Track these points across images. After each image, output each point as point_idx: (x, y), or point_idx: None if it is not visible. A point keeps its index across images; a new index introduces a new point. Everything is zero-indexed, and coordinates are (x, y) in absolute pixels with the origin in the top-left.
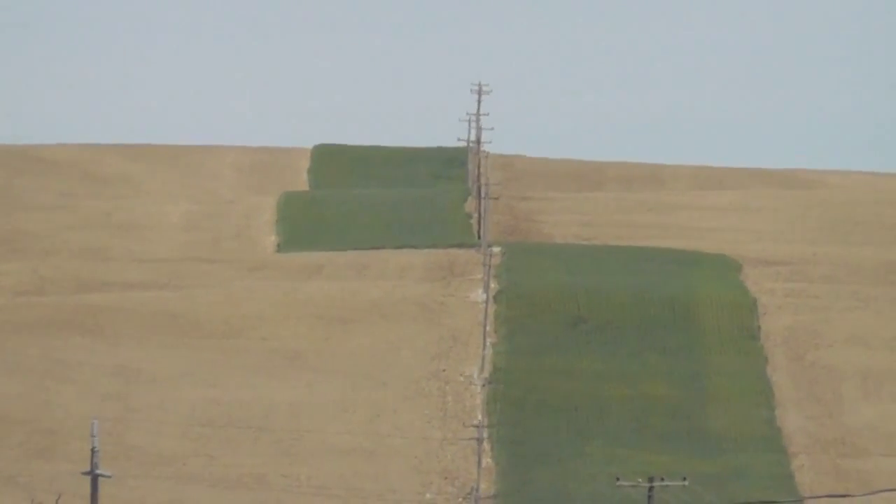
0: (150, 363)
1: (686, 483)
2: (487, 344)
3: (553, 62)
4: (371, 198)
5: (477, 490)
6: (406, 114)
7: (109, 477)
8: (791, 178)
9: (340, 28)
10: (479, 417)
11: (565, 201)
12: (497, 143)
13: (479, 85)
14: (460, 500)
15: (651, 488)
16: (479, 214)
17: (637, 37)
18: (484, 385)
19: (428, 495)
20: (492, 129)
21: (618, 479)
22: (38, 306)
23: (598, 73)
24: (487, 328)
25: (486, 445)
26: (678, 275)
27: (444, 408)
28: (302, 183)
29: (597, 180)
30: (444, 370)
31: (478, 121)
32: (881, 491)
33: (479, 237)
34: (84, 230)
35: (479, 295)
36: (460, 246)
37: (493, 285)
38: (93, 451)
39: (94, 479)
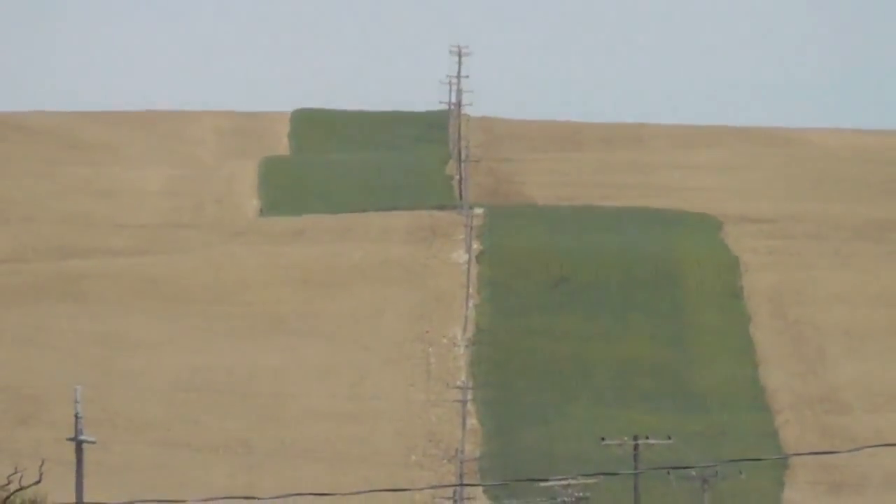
0: (133, 329)
1: (671, 441)
2: (470, 305)
3: (532, 24)
4: (352, 162)
5: (462, 452)
6: (387, 77)
7: (93, 443)
8: (772, 136)
9: None
10: (463, 379)
11: (546, 162)
12: (477, 106)
13: (459, 47)
14: (445, 461)
15: (636, 447)
16: (461, 177)
17: None
18: (467, 346)
19: (413, 457)
20: (472, 91)
21: (603, 438)
22: (20, 273)
23: (578, 34)
24: (470, 289)
25: (470, 407)
26: (660, 234)
27: (427, 370)
28: (283, 147)
29: (577, 141)
30: (427, 332)
31: (458, 83)
32: (865, 447)
33: (460, 199)
34: (65, 197)
35: (461, 256)
36: (442, 208)
37: (475, 246)
38: (76, 417)
39: (79, 444)
